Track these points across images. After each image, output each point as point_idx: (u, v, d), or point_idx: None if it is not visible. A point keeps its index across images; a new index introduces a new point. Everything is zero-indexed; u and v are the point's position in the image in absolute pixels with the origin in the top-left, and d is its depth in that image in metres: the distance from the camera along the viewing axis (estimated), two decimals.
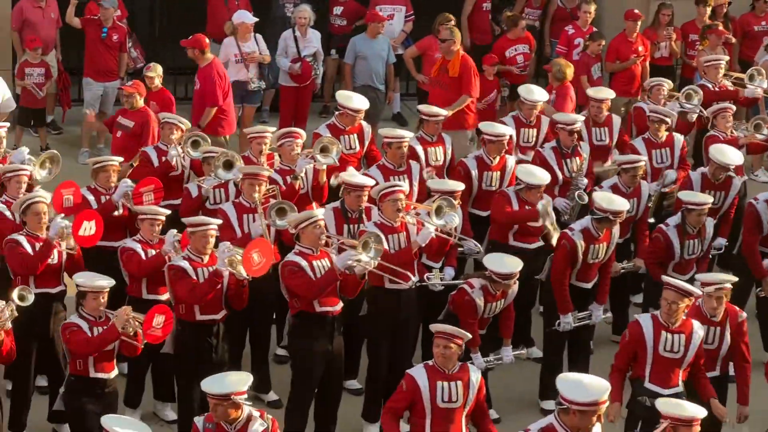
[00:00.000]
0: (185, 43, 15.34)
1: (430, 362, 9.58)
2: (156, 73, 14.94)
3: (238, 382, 8.84)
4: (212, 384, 8.75)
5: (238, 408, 8.68)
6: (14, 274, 11.05)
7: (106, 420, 8.68)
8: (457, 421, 9.56)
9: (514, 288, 11.24)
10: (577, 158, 13.25)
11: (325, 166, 12.47)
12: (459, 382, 9.37)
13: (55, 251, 11.09)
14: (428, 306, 11.84)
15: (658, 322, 10.03)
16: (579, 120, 13.51)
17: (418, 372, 9.43)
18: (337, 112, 13.66)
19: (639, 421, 9.78)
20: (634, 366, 10.20)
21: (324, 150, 12.40)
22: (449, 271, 11.90)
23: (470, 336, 9.71)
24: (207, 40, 15.49)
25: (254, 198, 11.71)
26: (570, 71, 15.88)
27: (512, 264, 10.86)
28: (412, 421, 9.38)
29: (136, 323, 10.13)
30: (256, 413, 8.91)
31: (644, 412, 9.62)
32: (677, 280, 10.30)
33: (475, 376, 9.50)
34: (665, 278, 10.29)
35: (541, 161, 13.04)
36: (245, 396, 8.80)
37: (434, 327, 9.67)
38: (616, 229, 11.78)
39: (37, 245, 11.00)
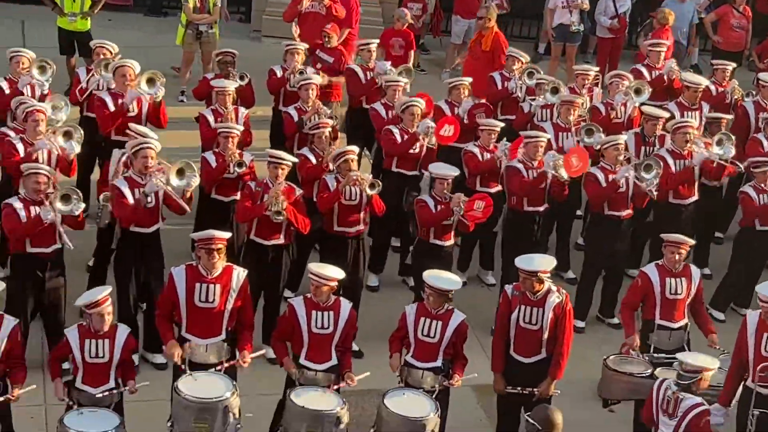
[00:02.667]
0: None
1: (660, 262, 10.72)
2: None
3: (544, 263, 9.98)
4: (521, 261, 9.83)
5: (542, 282, 9.76)
6: None
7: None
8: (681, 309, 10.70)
9: None
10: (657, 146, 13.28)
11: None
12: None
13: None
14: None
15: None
16: (666, 116, 13.50)
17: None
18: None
19: None
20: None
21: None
22: None
23: None
24: None
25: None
26: (672, 18, 17.01)
27: None
28: None
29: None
30: (554, 287, 9.87)
31: None
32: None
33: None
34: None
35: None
36: (548, 275, 9.84)
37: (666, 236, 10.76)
38: None
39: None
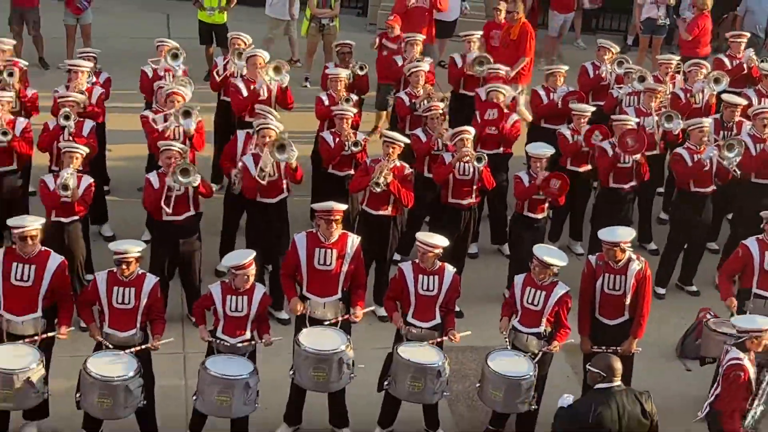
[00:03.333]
0: None
1: None
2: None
3: (625, 234, 9.84)
4: (604, 233, 9.78)
5: (624, 252, 9.69)
6: None
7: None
8: None
9: None
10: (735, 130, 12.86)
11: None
12: None
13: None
14: None
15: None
16: (744, 103, 13.16)
17: None
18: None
19: None
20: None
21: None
22: None
23: None
24: None
25: None
26: (710, 2, 16.49)
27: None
28: None
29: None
30: (634, 256, 9.78)
31: None
32: None
33: None
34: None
35: None
36: (629, 244, 9.78)
37: None
38: None
39: None
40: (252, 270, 9.31)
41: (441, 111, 12.34)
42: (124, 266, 9.09)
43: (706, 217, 12.28)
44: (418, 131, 12.24)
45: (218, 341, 9.30)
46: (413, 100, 12.98)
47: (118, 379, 8.81)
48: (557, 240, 12.87)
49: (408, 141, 11.64)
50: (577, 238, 13.20)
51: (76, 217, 10.84)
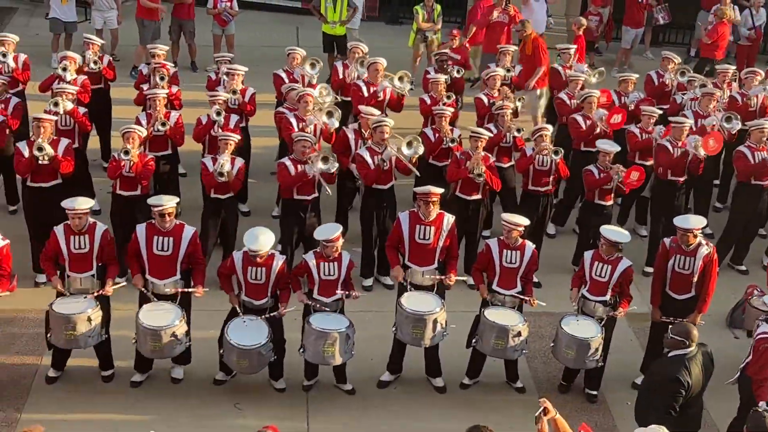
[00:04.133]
0: None
1: None
2: None
3: (697, 222, 9.77)
4: (680, 221, 9.74)
5: (695, 237, 9.61)
6: None
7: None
8: None
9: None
10: None
11: None
12: None
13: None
14: None
15: None
16: None
17: None
18: None
19: None
20: None
21: None
22: None
23: None
24: None
25: None
26: (729, 13, 16.42)
27: None
28: None
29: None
30: (704, 241, 9.73)
31: None
32: None
33: None
34: None
35: None
36: (700, 231, 9.70)
37: None
38: None
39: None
40: (339, 242, 9.36)
41: (511, 110, 12.32)
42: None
43: (762, 206, 12.12)
44: (491, 125, 12.18)
45: (315, 302, 9.43)
46: (491, 100, 12.90)
47: (255, 346, 9.07)
48: (624, 223, 12.77)
49: (491, 135, 11.60)
50: (642, 222, 13.04)
51: (231, 194, 11.04)
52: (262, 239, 9.22)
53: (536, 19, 16.85)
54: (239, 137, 11.25)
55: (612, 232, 9.77)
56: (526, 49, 14.96)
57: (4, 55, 12.84)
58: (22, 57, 13.07)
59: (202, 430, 9.08)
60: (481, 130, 11.47)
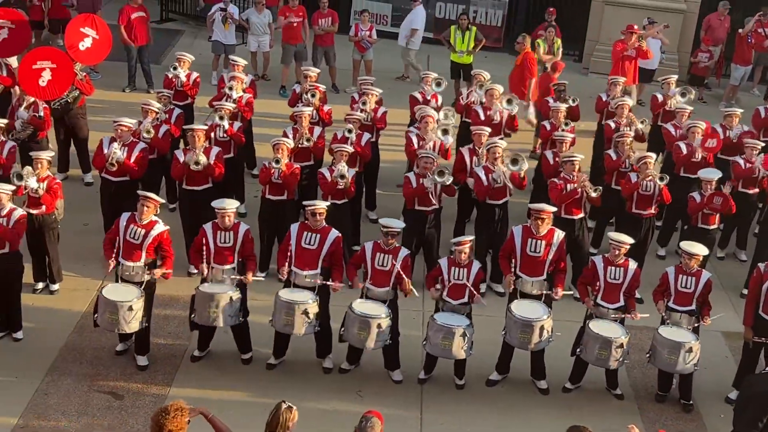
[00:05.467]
0: None
1: None
2: None
3: None
4: None
5: None
6: None
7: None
8: None
9: None
10: None
11: None
12: None
13: None
14: None
15: None
16: None
17: None
18: None
19: None
20: None
21: None
22: None
23: None
24: None
25: None
26: None
27: None
28: None
29: None
30: None
31: None
32: None
33: None
34: None
35: None
36: None
37: None
38: None
39: None
40: (467, 248, 9.36)
41: (631, 138, 11.98)
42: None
43: None
44: (610, 151, 11.96)
45: (442, 301, 9.46)
46: (616, 126, 12.64)
47: (375, 316, 9.15)
48: (725, 247, 12.35)
49: (581, 158, 11.36)
50: (742, 247, 12.55)
51: (345, 200, 11.12)
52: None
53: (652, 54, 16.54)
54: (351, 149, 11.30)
55: (690, 245, 9.58)
56: (518, 60, 15.14)
57: (175, 68, 13.24)
58: (194, 75, 13.43)
59: (328, 414, 9.10)
60: (575, 154, 11.27)
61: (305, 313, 9.17)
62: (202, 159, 10.82)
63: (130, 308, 9.08)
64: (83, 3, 16.36)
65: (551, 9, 17.08)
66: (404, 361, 9.73)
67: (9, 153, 11.09)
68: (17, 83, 12.49)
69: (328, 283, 9.43)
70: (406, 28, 17.36)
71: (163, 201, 9.89)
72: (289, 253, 9.48)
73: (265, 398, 8.99)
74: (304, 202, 9.84)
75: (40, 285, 10.75)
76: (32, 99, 12.00)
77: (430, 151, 11.23)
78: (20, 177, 10.13)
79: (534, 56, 15.30)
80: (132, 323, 9.16)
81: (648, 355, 9.47)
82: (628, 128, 12.46)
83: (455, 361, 9.54)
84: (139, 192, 9.74)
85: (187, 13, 19.96)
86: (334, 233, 9.58)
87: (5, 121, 11.50)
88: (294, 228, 9.58)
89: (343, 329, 9.38)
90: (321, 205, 9.57)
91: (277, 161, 10.81)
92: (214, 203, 9.64)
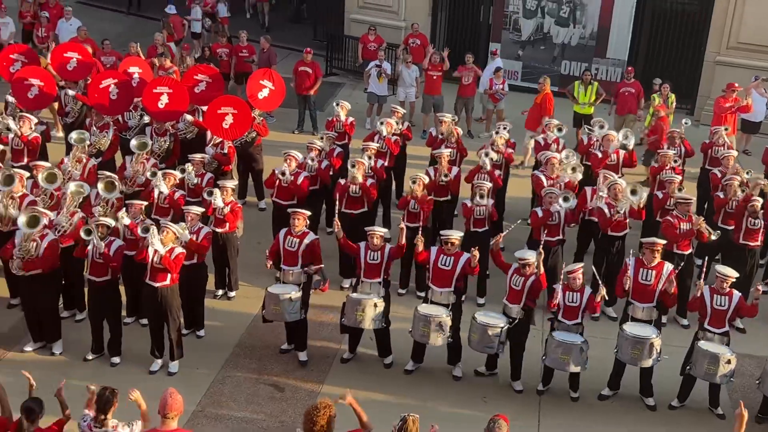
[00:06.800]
0: None
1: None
2: None
3: None
4: None
5: None
6: None
7: None
8: None
9: None
10: None
11: None
12: None
13: None
14: None
15: None
16: None
17: None
18: None
19: None
20: None
21: None
22: None
23: None
24: None
25: None
26: None
27: None
28: None
29: None
30: None
31: None
32: None
33: None
34: None
35: None
36: None
37: None
38: None
39: None
40: (580, 274, 9.21)
41: (738, 181, 11.57)
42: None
43: None
44: (720, 193, 11.58)
45: (558, 322, 9.31)
46: (722, 174, 12.20)
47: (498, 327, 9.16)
48: None
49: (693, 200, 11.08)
50: None
51: (486, 228, 11.02)
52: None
53: (757, 109, 16.01)
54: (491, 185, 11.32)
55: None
56: (538, 98, 15.03)
57: (338, 114, 13.69)
58: (350, 119, 13.82)
59: (451, 419, 9.08)
60: (687, 195, 11.00)
61: (440, 325, 9.27)
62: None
63: (290, 299, 9.40)
64: (262, 59, 17.13)
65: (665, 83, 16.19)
66: (524, 373, 9.70)
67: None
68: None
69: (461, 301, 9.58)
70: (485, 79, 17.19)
71: (309, 213, 10.11)
72: (428, 274, 9.67)
73: (404, 399, 9.14)
74: (442, 232, 9.90)
75: (220, 292, 11.17)
76: (218, 139, 12.54)
77: (554, 188, 11.17)
78: (210, 193, 10.53)
79: (552, 96, 15.08)
80: (293, 314, 9.47)
81: (758, 381, 9.17)
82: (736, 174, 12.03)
83: (570, 375, 9.46)
84: (290, 209, 10.02)
85: (347, 68, 20.55)
86: (465, 256, 9.54)
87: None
88: (433, 251, 9.64)
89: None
90: (455, 236, 9.61)
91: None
92: (367, 228, 9.83)
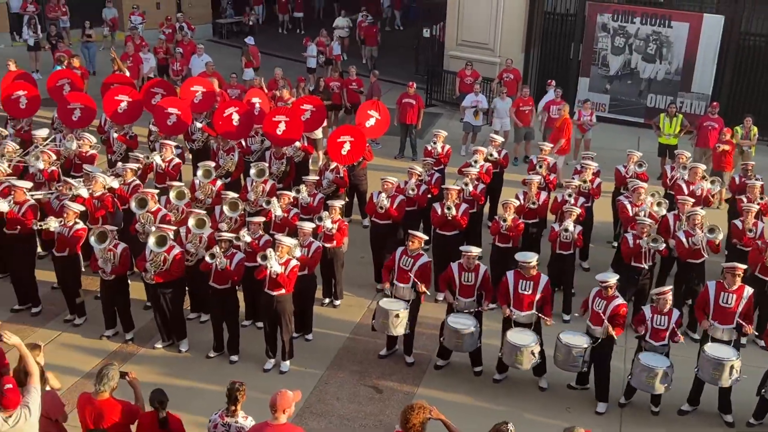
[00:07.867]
0: None
1: None
2: None
3: None
4: None
5: None
6: None
7: None
8: None
9: None
10: None
11: None
12: None
13: None
14: None
15: None
16: None
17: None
18: None
19: None
20: None
21: None
22: None
23: None
24: None
25: None
26: None
27: None
28: None
29: None
30: None
31: None
32: None
33: None
34: None
35: None
36: None
37: None
38: None
39: None
40: (669, 296, 8.91)
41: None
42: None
43: None
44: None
45: (645, 342, 9.03)
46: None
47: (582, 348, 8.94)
48: None
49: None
50: None
51: (571, 252, 10.82)
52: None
53: None
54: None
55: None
56: (557, 122, 14.94)
57: (434, 143, 13.69)
58: (447, 147, 13.82)
59: (536, 426, 8.91)
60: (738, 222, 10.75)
61: (532, 354, 9.08)
62: (453, 212, 11.07)
63: (397, 316, 9.39)
64: (370, 91, 17.38)
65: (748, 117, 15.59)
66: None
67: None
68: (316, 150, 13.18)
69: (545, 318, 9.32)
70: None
71: (426, 238, 9.96)
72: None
73: (491, 405, 9.02)
74: (517, 256, 9.55)
75: (327, 300, 11.25)
76: (334, 164, 12.62)
77: (646, 218, 10.82)
78: (320, 218, 10.63)
79: (570, 122, 14.90)
80: (398, 328, 9.48)
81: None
82: None
83: (653, 395, 9.15)
84: (410, 231, 9.97)
85: (445, 99, 20.60)
86: (545, 278, 9.30)
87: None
88: (510, 275, 9.39)
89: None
90: (532, 261, 9.25)
91: (504, 219, 10.91)
92: (462, 247, 9.72)
